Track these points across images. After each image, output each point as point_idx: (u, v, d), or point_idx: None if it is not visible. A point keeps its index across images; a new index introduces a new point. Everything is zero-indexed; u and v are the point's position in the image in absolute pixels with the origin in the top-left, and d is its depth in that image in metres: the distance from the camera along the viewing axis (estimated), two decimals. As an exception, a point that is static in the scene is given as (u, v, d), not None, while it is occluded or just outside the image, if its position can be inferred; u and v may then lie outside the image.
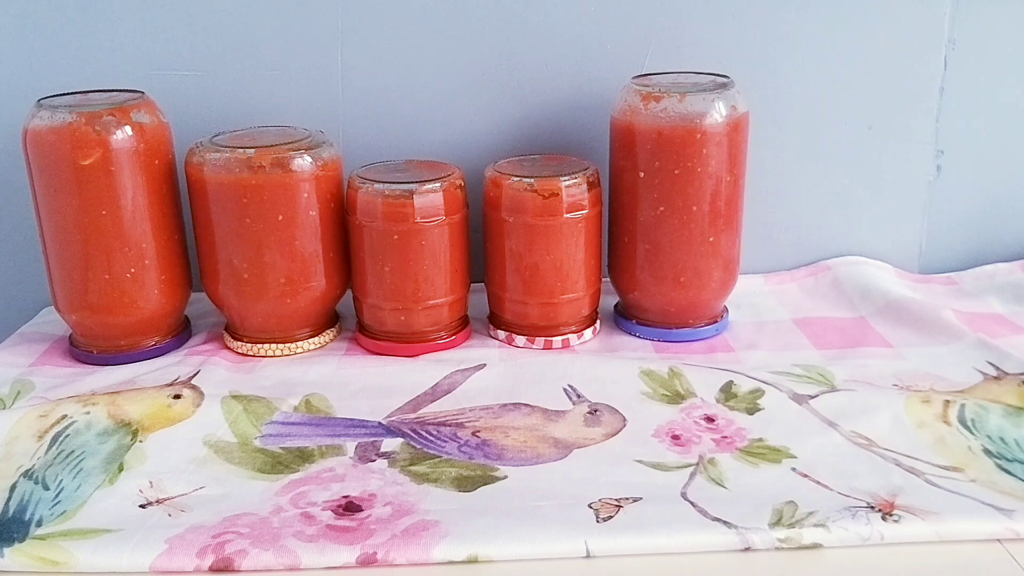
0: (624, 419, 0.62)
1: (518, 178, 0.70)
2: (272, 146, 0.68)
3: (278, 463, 0.58)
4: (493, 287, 0.74)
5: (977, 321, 0.74)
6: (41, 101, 0.68)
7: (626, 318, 0.76)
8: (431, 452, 0.58)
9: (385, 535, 0.50)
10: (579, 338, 0.73)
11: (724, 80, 0.70)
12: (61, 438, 0.59)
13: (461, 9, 0.80)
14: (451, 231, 0.70)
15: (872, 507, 0.51)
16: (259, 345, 0.72)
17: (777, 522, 0.50)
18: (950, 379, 0.65)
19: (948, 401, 0.61)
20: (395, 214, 0.68)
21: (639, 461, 0.57)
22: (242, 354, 0.73)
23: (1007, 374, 0.65)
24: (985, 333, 0.72)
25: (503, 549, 0.49)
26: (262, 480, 0.56)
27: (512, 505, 0.53)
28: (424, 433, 0.61)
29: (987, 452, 0.57)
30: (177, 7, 0.78)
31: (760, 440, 0.59)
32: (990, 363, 0.67)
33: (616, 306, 0.78)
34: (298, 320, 0.73)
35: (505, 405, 0.64)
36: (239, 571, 0.48)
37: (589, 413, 0.63)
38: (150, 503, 0.54)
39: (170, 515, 0.52)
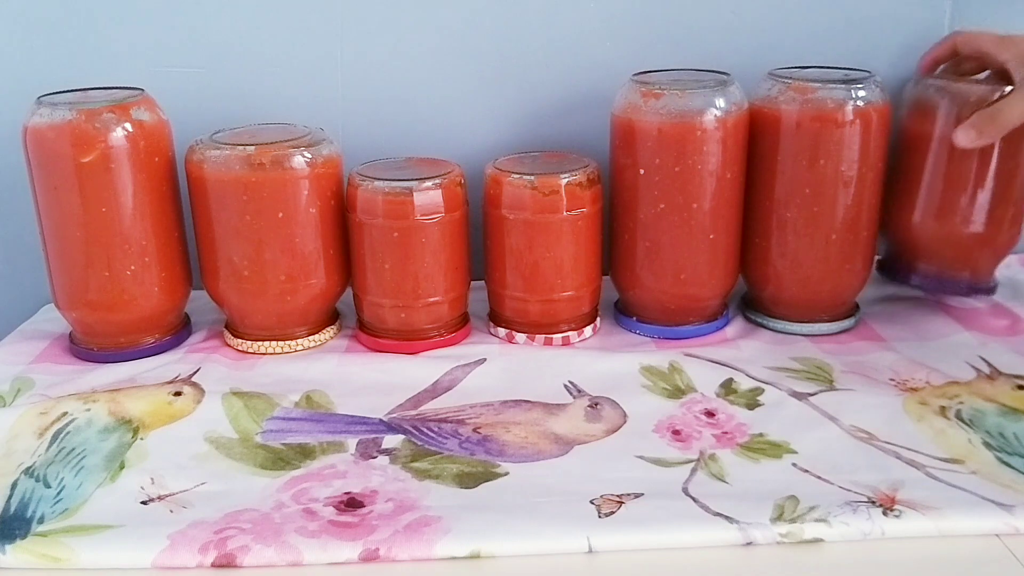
0: (625, 414, 0.62)
1: (518, 175, 0.70)
2: (272, 143, 0.68)
3: (279, 459, 0.58)
4: (493, 284, 0.74)
5: (973, 317, 0.75)
6: (41, 98, 0.68)
7: (626, 315, 0.76)
8: (432, 449, 0.59)
9: (387, 531, 0.50)
10: (579, 335, 0.74)
11: (724, 77, 0.70)
12: (62, 435, 0.59)
13: (461, 6, 0.80)
14: (451, 228, 0.70)
15: (873, 502, 0.51)
16: (259, 343, 0.72)
17: (778, 517, 0.50)
18: (944, 372, 0.66)
19: (944, 407, 0.61)
20: (395, 211, 0.68)
21: (640, 457, 0.57)
22: (242, 351, 0.73)
23: (1001, 374, 0.65)
24: (980, 330, 0.73)
25: (505, 545, 0.49)
26: (263, 476, 0.56)
27: (514, 501, 0.53)
28: (425, 430, 0.61)
29: (987, 445, 0.57)
30: (177, 4, 0.78)
31: (761, 435, 0.59)
32: (983, 359, 0.68)
33: (616, 303, 0.78)
34: (298, 317, 0.73)
35: (506, 402, 0.64)
36: (241, 567, 0.48)
37: (590, 407, 0.63)
38: (152, 499, 0.54)
39: (172, 511, 0.52)
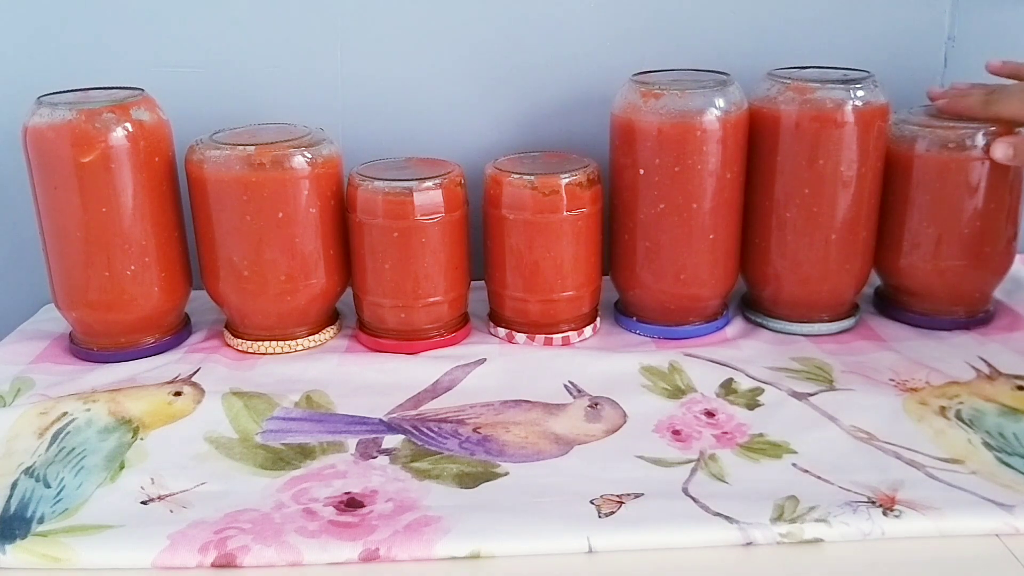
0: (625, 414, 0.62)
1: (518, 175, 0.70)
2: (272, 143, 0.68)
3: (279, 459, 0.58)
4: (493, 284, 0.74)
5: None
6: (41, 98, 0.68)
7: (626, 315, 0.76)
8: (432, 449, 0.59)
9: (387, 531, 0.50)
10: (579, 335, 0.74)
11: (724, 77, 0.70)
12: (62, 435, 0.59)
13: (461, 6, 0.80)
14: (451, 228, 0.70)
15: (873, 502, 0.51)
16: (259, 343, 0.72)
17: (778, 517, 0.50)
18: (944, 372, 0.66)
19: (944, 407, 0.61)
20: (395, 211, 0.68)
21: (640, 457, 0.57)
22: (242, 351, 0.73)
23: (1001, 374, 0.65)
24: (980, 329, 0.73)
25: (505, 545, 0.49)
26: (263, 476, 0.56)
27: (514, 501, 0.53)
28: (425, 430, 0.61)
29: (987, 446, 0.57)
30: (177, 4, 0.78)
31: (761, 435, 0.59)
32: (983, 359, 0.68)
33: (616, 303, 0.78)
34: (298, 318, 0.73)
35: (506, 402, 0.64)
36: (241, 567, 0.48)
37: (590, 407, 0.63)
38: (152, 499, 0.54)
39: (172, 511, 0.52)
